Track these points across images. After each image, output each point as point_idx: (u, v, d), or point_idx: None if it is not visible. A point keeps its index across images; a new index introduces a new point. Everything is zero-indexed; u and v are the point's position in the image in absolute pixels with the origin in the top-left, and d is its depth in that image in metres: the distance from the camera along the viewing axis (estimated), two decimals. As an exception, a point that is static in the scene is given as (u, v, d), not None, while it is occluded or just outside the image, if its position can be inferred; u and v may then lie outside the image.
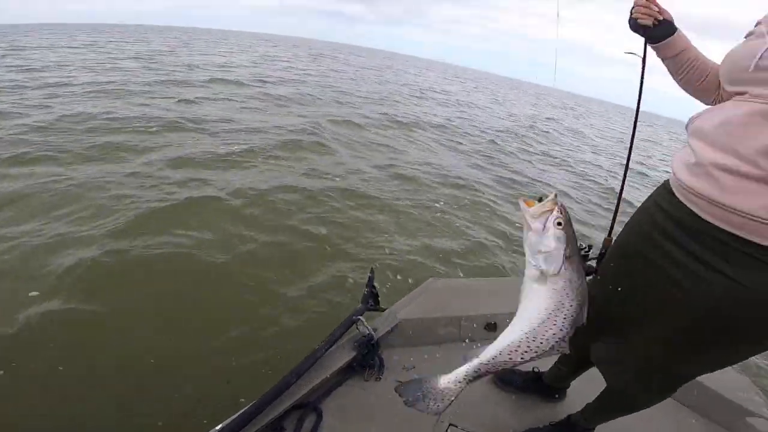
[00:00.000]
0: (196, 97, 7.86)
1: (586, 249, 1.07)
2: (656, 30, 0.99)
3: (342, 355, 1.34)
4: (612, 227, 1.11)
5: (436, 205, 4.37)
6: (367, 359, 1.34)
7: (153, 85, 8.88)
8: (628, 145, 1.13)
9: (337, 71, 17.15)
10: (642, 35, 1.01)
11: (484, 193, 5.06)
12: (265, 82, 11.32)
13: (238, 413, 1.04)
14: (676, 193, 0.87)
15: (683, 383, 0.99)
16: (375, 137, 6.87)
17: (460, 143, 7.82)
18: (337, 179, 4.52)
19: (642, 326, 0.93)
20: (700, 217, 0.78)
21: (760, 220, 0.71)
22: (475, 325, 1.64)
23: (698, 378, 1.40)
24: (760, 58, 0.75)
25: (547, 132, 12.12)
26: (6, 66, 10.12)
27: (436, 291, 1.77)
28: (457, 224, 3.98)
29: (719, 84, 0.94)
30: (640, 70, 1.05)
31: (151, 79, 9.46)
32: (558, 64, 1.45)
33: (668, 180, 0.93)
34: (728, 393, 1.53)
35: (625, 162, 1.15)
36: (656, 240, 0.88)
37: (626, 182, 1.12)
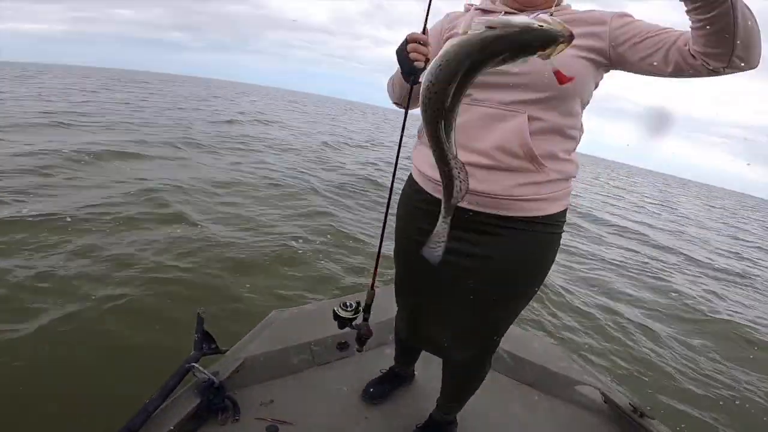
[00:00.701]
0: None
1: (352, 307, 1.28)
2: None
3: (183, 405, 1.26)
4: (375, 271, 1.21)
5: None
6: (215, 403, 1.30)
7: None
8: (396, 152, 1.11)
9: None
10: (411, 80, 0.94)
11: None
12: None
13: None
14: (429, 191, 1.03)
15: (494, 336, 1.14)
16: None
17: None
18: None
19: (455, 307, 1.07)
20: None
21: (508, 197, 0.93)
22: (326, 347, 1.69)
23: (526, 357, 1.75)
24: None
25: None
26: None
27: (282, 322, 1.77)
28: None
29: None
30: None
31: None
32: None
33: (409, 184, 1.11)
34: (553, 366, 1.74)
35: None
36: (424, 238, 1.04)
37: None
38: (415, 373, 1.65)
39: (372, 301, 1.26)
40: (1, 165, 5.05)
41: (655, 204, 16.85)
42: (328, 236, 4.30)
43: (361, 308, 1.26)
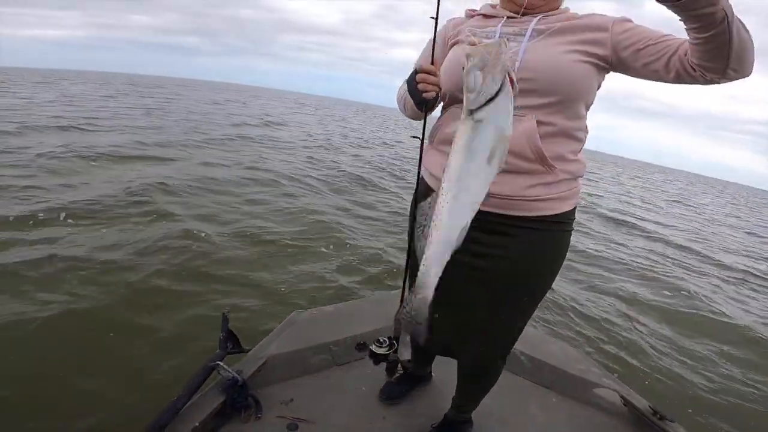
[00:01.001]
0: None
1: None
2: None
3: (209, 402, 1.31)
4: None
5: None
6: (238, 401, 1.34)
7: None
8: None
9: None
10: (423, 109, 1.02)
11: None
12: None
13: None
14: None
15: (508, 335, 1.16)
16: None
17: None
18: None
19: (465, 308, 1.09)
20: None
21: (519, 198, 0.96)
22: (345, 348, 1.72)
23: (544, 359, 1.76)
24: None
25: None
26: None
27: (302, 323, 1.81)
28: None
29: None
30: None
31: None
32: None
33: (422, 187, 1.13)
34: (571, 369, 1.75)
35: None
36: None
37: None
38: (432, 374, 1.67)
39: (399, 333, 1.31)
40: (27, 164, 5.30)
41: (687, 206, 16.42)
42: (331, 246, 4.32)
43: (393, 341, 1.33)
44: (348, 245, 4.28)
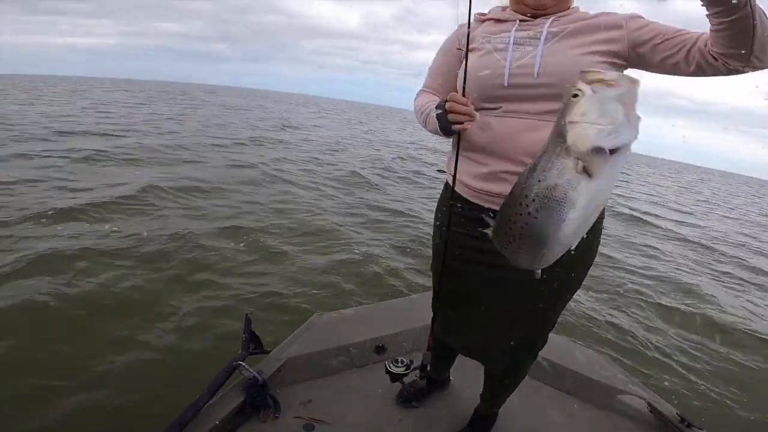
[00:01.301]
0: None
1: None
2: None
3: (229, 401, 1.34)
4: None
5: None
6: (258, 401, 1.37)
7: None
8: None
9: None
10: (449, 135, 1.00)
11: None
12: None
13: None
14: (472, 199, 1.05)
15: (539, 330, 1.17)
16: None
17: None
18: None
19: (491, 311, 1.10)
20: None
21: None
22: (364, 350, 1.73)
23: (567, 365, 1.75)
24: (510, 76, 0.93)
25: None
26: None
27: (322, 325, 1.84)
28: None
29: None
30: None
31: None
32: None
33: (447, 194, 1.12)
34: (595, 375, 1.72)
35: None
36: (468, 243, 1.05)
37: None
38: (451, 378, 1.66)
39: (429, 362, 1.33)
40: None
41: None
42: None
43: (412, 366, 1.36)
44: (361, 246, 4.32)
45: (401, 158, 11.61)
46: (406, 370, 1.35)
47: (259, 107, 29.18)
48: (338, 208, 5.76)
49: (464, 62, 0.96)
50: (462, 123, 0.91)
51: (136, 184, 5.27)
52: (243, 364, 1.40)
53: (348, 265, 3.81)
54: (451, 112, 0.91)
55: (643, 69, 0.93)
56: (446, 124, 0.93)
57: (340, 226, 4.88)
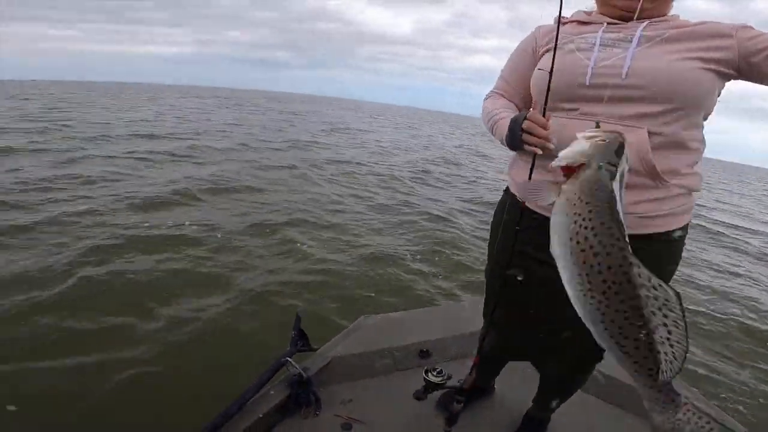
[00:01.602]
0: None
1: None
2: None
3: (274, 396, 1.39)
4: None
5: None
6: (301, 397, 1.41)
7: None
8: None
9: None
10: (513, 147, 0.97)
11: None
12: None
13: None
14: (538, 209, 1.00)
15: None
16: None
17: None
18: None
19: (554, 319, 1.04)
20: None
21: (635, 214, 0.89)
22: (408, 354, 1.73)
23: (621, 377, 1.60)
24: (593, 75, 0.89)
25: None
26: None
27: (369, 327, 1.86)
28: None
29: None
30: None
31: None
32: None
33: (508, 197, 1.10)
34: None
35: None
36: (529, 250, 1.01)
37: None
38: (495, 387, 1.61)
39: (471, 387, 1.28)
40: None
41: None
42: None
43: (449, 383, 1.32)
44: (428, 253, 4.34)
45: (446, 161, 11.67)
46: (442, 380, 1.32)
47: (315, 113, 30.52)
48: (376, 210, 5.89)
49: (551, 63, 0.90)
50: (535, 146, 0.88)
51: (202, 181, 5.96)
52: (290, 360, 1.45)
53: (382, 266, 3.87)
54: (527, 132, 0.88)
55: (753, 80, 0.88)
56: (518, 142, 0.91)
57: (381, 228, 4.98)
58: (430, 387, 1.34)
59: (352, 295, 3.27)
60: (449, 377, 1.34)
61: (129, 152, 7.69)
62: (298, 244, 4.09)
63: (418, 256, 4.22)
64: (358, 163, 9.45)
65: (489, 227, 1.20)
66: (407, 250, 4.34)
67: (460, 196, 7.38)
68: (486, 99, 1.14)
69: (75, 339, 2.36)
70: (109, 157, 7.28)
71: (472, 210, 6.51)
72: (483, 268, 1.32)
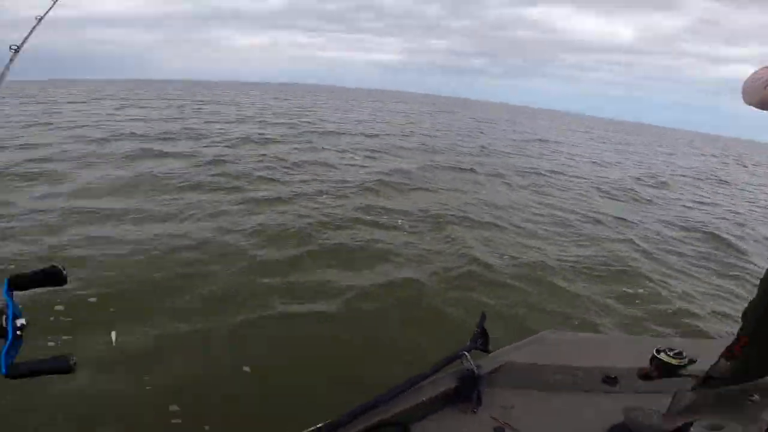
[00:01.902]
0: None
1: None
2: None
3: (442, 385, 1.45)
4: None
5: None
6: (466, 392, 1.44)
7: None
8: None
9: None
10: None
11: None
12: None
13: (327, 422, 1.19)
14: None
15: None
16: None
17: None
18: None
19: None
20: None
21: None
22: (591, 376, 1.61)
23: None
24: None
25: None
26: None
27: (550, 341, 1.80)
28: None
29: None
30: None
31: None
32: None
33: None
34: None
35: None
36: None
37: None
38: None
39: (722, 374, 1.04)
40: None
41: None
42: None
43: (692, 364, 1.06)
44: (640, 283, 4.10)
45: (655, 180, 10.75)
46: (682, 362, 1.05)
47: (507, 121, 30.21)
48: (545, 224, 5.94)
49: None
50: None
51: (398, 174, 7.62)
52: (467, 355, 1.53)
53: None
54: None
55: None
56: None
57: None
58: (666, 371, 1.07)
59: (544, 307, 3.23)
60: (692, 361, 1.06)
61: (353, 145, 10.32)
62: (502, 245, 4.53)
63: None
64: (545, 175, 9.73)
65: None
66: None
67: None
68: (758, 77, 1.00)
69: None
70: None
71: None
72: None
